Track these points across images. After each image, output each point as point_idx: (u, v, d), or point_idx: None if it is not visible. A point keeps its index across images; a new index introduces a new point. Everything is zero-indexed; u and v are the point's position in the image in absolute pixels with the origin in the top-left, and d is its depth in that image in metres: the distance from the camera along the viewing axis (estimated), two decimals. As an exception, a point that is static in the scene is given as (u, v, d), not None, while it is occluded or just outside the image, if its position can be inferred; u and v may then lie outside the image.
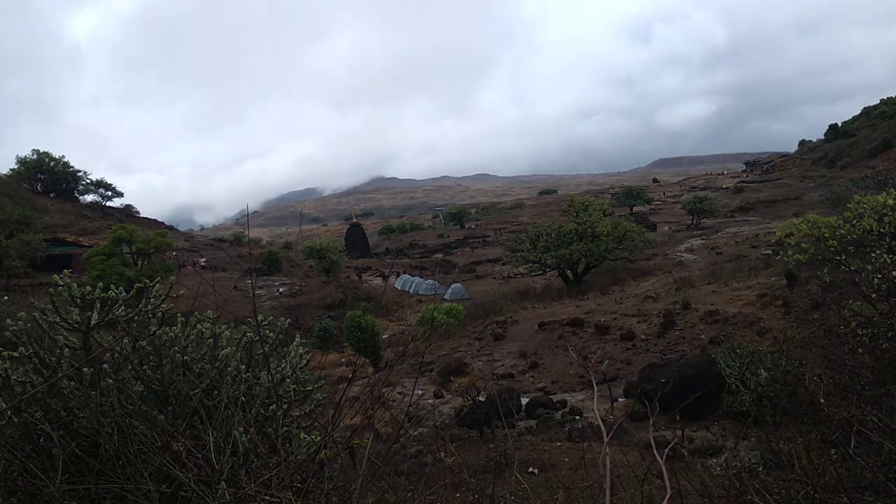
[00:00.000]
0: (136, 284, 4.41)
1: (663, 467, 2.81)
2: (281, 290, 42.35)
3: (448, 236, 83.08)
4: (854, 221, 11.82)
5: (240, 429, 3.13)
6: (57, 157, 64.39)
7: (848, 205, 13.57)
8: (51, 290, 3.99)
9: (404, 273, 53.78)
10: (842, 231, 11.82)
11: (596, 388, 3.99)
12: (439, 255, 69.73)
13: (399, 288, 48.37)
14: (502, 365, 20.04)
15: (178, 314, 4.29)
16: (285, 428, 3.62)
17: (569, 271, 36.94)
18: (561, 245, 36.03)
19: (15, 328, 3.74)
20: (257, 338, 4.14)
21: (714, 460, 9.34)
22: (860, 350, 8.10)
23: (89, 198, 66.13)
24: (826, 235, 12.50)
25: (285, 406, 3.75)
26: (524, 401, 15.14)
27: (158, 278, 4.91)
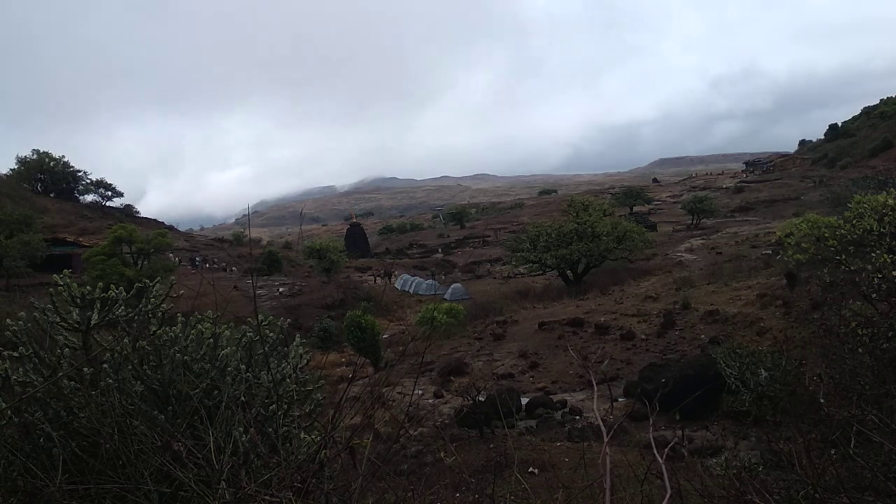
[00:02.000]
0: (136, 284, 4.41)
1: (663, 467, 2.81)
2: (281, 290, 42.33)
3: (448, 236, 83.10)
4: (854, 221, 11.83)
5: (240, 429, 3.13)
6: (57, 156, 64.44)
7: (848, 205, 13.58)
8: (51, 290, 3.99)
9: (403, 273, 53.84)
10: (842, 231, 11.84)
11: (596, 388, 4.00)
12: (439, 255, 69.77)
13: (399, 288, 48.39)
14: (502, 365, 20.04)
15: (179, 314, 4.29)
16: (285, 428, 3.62)
17: (569, 271, 36.93)
18: (561, 245, 36.03)
19: (15, 328, 3.74)
20: (257, 338, 4.14)
21: (714, 460, 9.35)
22: (860, 350, 8.10)
23: (89, 198, 66.12)
24: (826, 235, 12.52)
25: (285, 406, 3.75)
26: (524, 401, 15.14)
27: (158, 278, 4.91)
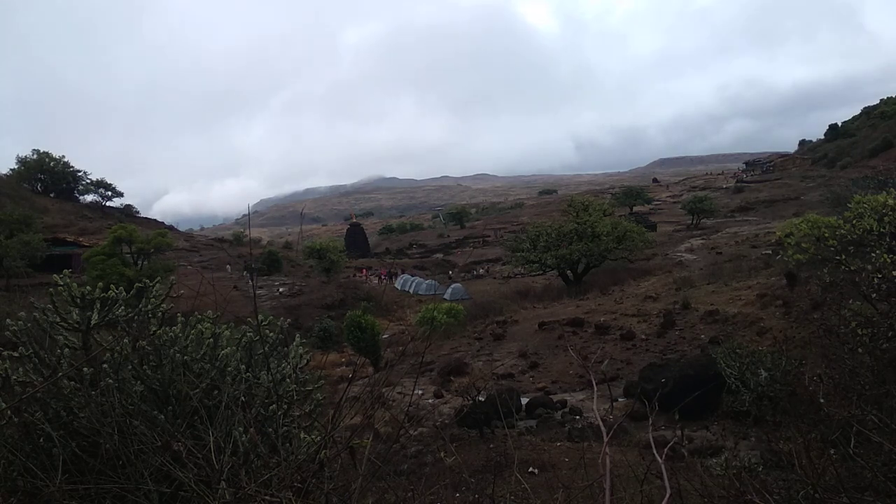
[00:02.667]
0: (136, 284, 4.40)
1: (663, 467, 2.81)
2: (281, 290, 42.32)
3: (448, 236, 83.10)
4: (854, 221, 11.82)
5: (240, 429, 3.13)
6: (57, 156, 64.43)
7: (848, 205, 13.57)
8: (51, 290, 3.99)
9: (403, 273, 53.87)
10: (842, 231, 11.83)
11: (596, 388, 4.00)
12: (439, 255, 69.77)
13: (399, 288, 48.39)
14: (502, 365, 20.03)
15: (179, 314, 4.29)
16: (285, 428, 3.62)
17: (569, 271, 36.93)
18: (561, 245, 36.04)
19: (15, 328, 3.74)
20: (257, 338, 4.14)
21: (714, 460, 9.35)
22: (860, 350, 8.09)
23: (89, 198, 66.13)
24: (826, 235, 12.52)
25: (285, 406, 3.75)
26: (524, 401, 15.13)
27: (158, 278, 4.91)
